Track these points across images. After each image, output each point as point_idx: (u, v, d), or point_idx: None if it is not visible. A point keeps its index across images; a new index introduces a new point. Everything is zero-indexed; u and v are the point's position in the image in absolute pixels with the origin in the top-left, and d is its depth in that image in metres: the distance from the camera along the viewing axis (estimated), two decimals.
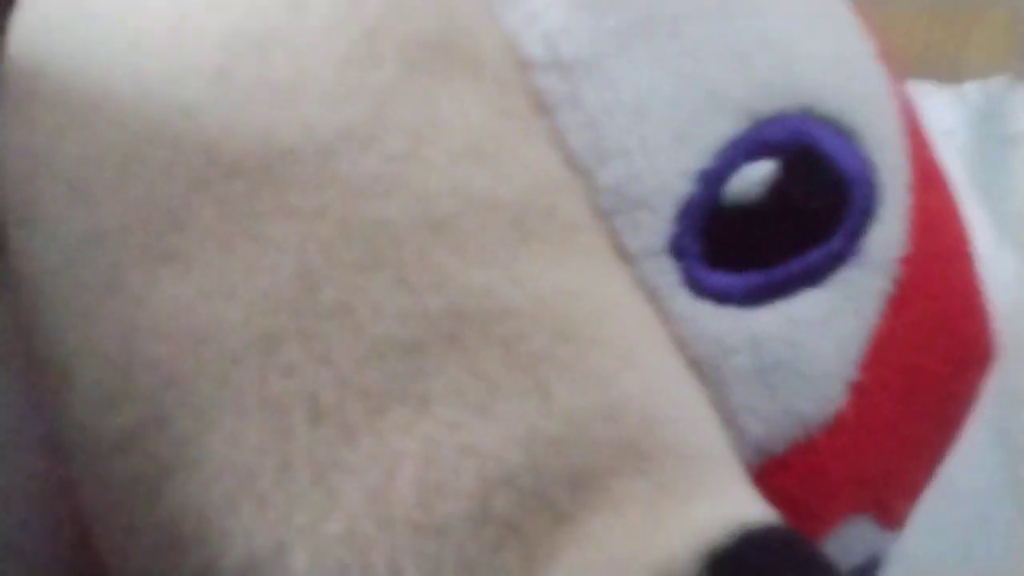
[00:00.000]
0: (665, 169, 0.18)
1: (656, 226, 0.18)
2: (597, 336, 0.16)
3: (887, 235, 0.20)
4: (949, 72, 0.88)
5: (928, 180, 0.22)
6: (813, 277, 0.19)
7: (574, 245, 0.16)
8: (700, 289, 0.18)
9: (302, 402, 0.15)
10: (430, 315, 0.15)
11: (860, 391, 0.20)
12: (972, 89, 0.77)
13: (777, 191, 0.19)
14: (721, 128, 0.18)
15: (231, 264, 0.15)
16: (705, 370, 0.18)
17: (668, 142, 0.18)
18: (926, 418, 0.23)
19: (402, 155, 0.16)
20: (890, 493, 0.23)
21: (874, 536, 0.22)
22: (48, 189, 0.17)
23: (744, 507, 0.16)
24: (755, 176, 0.18)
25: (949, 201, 0.24)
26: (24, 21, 0.19)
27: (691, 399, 0.17)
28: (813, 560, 0.15)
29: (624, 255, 0.18)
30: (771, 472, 0.19)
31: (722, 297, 0.18)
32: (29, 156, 0.17)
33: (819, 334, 0.19)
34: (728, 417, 0.18)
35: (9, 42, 0.18)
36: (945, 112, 0.75)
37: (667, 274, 0.18)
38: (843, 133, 0.20)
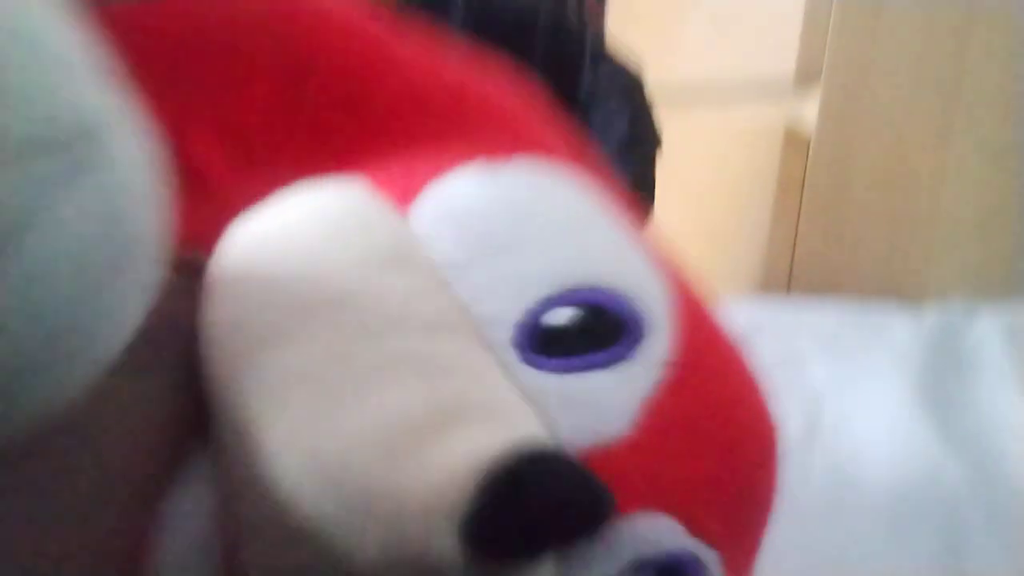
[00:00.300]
0: (508, 309, 0.33)
1: (504, 334, 0.33)
2: (472, 374, 0.31)
3: (654, 348, 0.34)
4: (911, 289, 0.94)
5: (696, 323, 0.37)
6: (602, 365, 0.33)
7: (464, 340, 0.32)
8: (531, 365, 0.33)
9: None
10: (400, 357, 0.31)
11: (642, 428, 0.33)
12: (930, 312, 0.83)
13: (578, 323, 0.34)
14: (541, 291, 0.33)
15: (325, 344, 0.31)
16: (535, 402, 0.32)
17: (509, 298, 0.33)
18: (716, 465, 0.35)
19: (389, 301, 0.32)
20: (694, 510, 0.34)
21: (676, 536, 0.33)
22: (235, 344, 0.32)
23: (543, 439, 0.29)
24: (564, 313, 0.34)
25: (719, 338, 0.38)
26: (232, 242, 0.33)
27: (522, 406, 0.31)
28: (570, 457, 0.28)
29: (489, 346, 0.33)
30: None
31: (544, 370, 0.33)
32: (226, 324, 0.32)
33: (607, 394, 0.33)
34: (548, 426, 0.31)
35: (220, 254, 0.33)
36: (903, 335, 0.81)
37: (511, 357, 0.33)
38: (621, 295, 0.34)
